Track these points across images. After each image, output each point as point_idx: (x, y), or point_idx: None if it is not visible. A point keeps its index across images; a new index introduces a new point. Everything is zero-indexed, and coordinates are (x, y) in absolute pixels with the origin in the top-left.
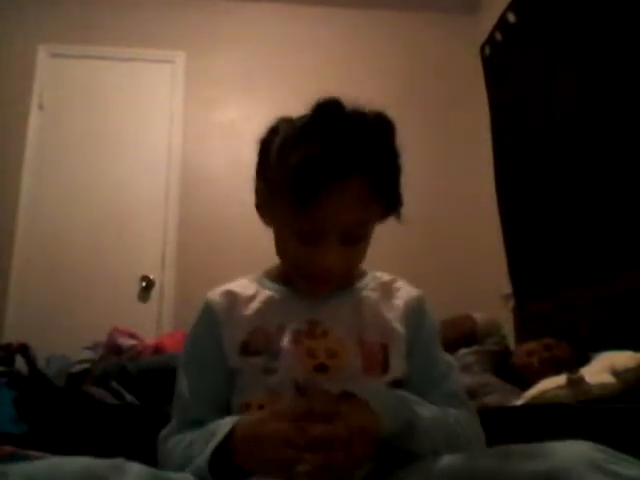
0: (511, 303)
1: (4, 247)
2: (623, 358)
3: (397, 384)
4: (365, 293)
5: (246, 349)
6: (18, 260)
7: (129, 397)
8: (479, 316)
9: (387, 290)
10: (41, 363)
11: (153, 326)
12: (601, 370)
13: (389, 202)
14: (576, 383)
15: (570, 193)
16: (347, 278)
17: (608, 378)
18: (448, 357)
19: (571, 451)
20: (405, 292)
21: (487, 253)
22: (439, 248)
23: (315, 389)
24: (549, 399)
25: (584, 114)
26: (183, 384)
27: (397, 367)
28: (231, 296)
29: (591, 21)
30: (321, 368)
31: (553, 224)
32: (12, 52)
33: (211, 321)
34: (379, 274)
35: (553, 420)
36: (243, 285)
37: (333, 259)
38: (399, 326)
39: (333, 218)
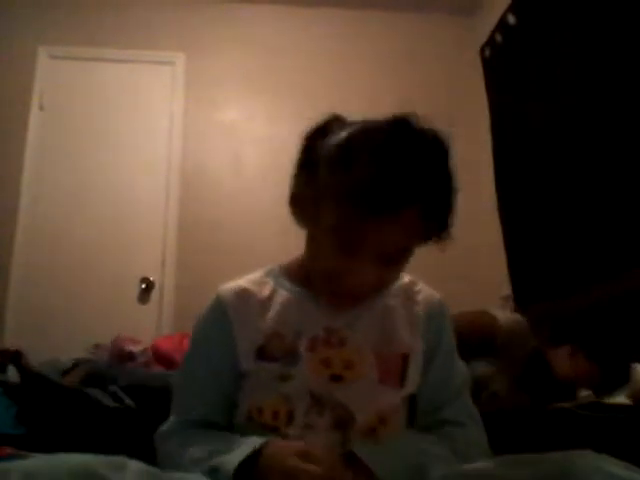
0: (511, 304)
1: (4, 247)
2: None
3: (411, 397)
4: (386, 300)
5: (262, 354)
6: (18, 261)
7: (128, 400)
8: (502, 318)
9: (408, 295)
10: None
11: (153, 328)
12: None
13: (438, 230)
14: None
15: (570, 194)
16: (373, 296)
17: (622, 399)
18: (463, 367)
19: (582, 459)
20: (425, 297)
21: (487, 253)
22: (438, 251)
23: (330, 401)
24: None
25: (584, 115)
26: (187, 381)
27: (414, 380)
28: (246, 295)
29: (591, 22)
30: (336, 378)
31: (553, 225)
32: (13, 53)
33: (223, 319)
34: (402, 277)
35: (556, 426)
36: (258, 282)
37: (367, 277)
38: (418, 336)
39: (382, 240)
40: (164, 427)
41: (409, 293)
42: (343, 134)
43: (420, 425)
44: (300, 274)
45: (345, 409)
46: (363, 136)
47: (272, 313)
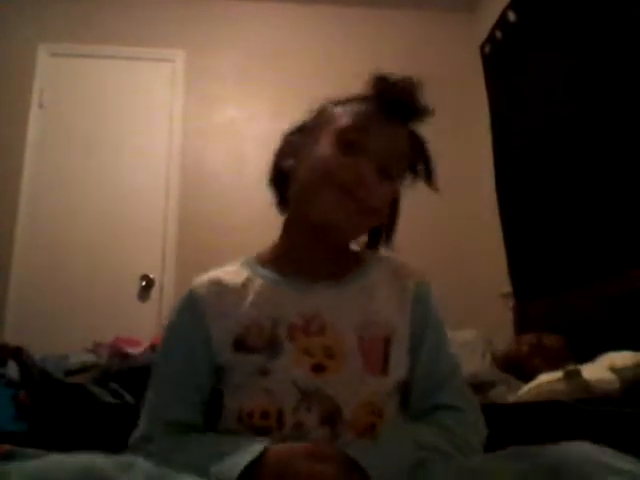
0: (511, 302)
1: (4, 247)
2: (622, 357)
3: (402, 384)
4: (368, 280)
5: (241, 345)
6: (18, 260)
7: (128, 397)
8: None
9: (393, 275)
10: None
11: (153, 325)
12: (600, 367)
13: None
14: (573, 376)
15: (570, 192)
16: (371, 218)
17: (607, 374)
18: (454, 353)
19: (578, 450)
20: (412, 277)
21: (487, 252)
22: (439, 247)
23: (317, 394)
24: (545, 393)
25: (584, 113)
26: (160, 380)
27: (399, 364)
28: (219, 285)
29: (591, 19)
30: (319, 368)
31: (553, 223)
32: (12, 51)
33: (196, 313)
34: (384, 256)
35: (550, 418)
36: (232, 272)
37: (371, 172)
38: (404, 317)
39: (380, 140)
40: (137, 434)
41: (397, 272)
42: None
43: (414, 410)
44: (275, 260)
45: (331, 402)
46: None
47: (248, 302)
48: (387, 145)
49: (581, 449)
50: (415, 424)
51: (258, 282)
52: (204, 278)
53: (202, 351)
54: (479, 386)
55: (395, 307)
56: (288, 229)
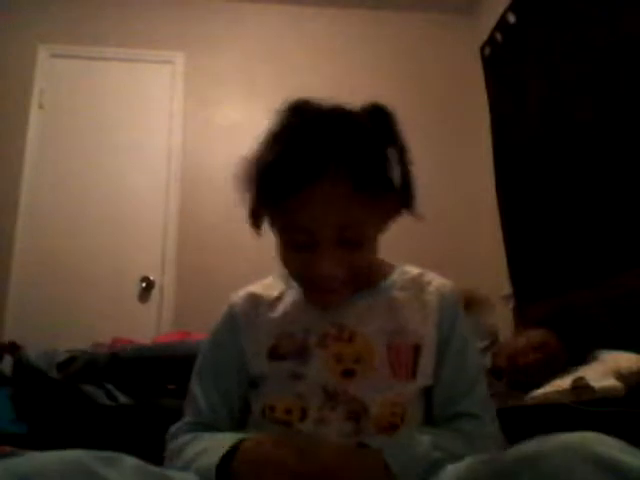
0: (511, 303)
1: (4, 247)
2: (627, 360)
3: (427, 390)
4: (394, 292)
5: (274, 354)
6: (18, 260)
7: (122, 398)
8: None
9: (418, 286)
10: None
11: (153, 327)
12: (605, 373)
13: (384, 197)
14: (581, 389)
15: (570, 193)
16: (358, 283)
17: (613, 382)
18: (478, 357)
19: (561, 440)
20: (436, 286)
21: (487, 253)
22: (439, 248)
23: (344, 396)
24: (552, 401)
25: (584, 114)
26: (197, 387)
27: (426, 371)
28: (255, 299)
29: (591, 21)
30: (348, 373)
31: (553, 225)
32: (12, 52)
33: (234, 326)
34: (407, 268)
35: (553, 421)
36: (268, 286)
37: (329, 265)
38: (431, 326)
39: (319, 220)
40: (173, 427)
41: (420, 284)
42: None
43: (437, 416)
44: None
45: (359, 403)
46: (267, 130)
47: (281, 313)
48: (332, 220)
49: (572, 437)
50: (435, 429)
51: (292, 295)
52: (241, 292)
53: (236, 363)
54: None
55: (421, 316)
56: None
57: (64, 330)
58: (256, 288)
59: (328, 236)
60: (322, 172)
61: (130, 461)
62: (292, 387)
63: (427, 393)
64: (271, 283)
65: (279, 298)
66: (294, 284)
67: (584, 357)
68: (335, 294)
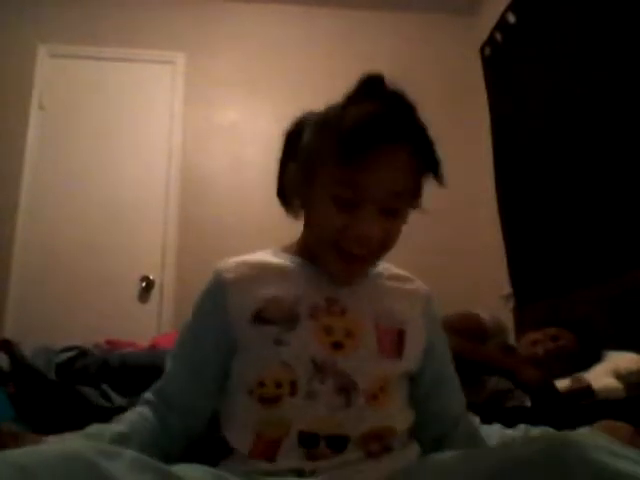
0: (511, 303)
1: (4, 247)
2: (626, 361)
3: (410, 378)
4: (381, 280)
5: (259, 317)
6: (18, 260)
7: (118, 400)
8: (486, 316)
9: (402, 280)
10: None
11: (153, 326)
12: (605, 373)
13: (431, 172)
14: (581, 388)
15: (570, 193)
16: (379, 257)
17: (612, 382)
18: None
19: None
20: (419, 286)
21: (487, 253)
22: (439, 248)
23: (332, 368)
24: None
25: (584, 114)
26: (175, 349)
27: (412, 355)
28: (244, 265)
29: (591, 21)
30: (337, 345)
31: (553, 225)
32: (12, 52)
33: (218, 288)
34: (388, 265)
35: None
36: (259, 255)
37: (373, 227)
38: (417, 316)
39: (379, 184)
40: (146, 392)
41: (403, 278)
42: (316, 115)
43: (425, 411)
44: (301, 250)
45: (347, 377)
46: (329, 108)
47: (272, 278)
48: (387, 185)
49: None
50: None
51: (284, 264)
52: (230, 260)
53: (216, 325)
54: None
55: (406, 306)
56: (306, 235)
57: (64, 330)
58: (245, 256)
59: (378, 198)
60: (397, 140)
61: (130, 454)
62: (275, 354)
63: (410, 379)
64: (261, 255)
65: (270, 266)
66: (285, 257)
67: (596, 356)
68: (360, 264)
